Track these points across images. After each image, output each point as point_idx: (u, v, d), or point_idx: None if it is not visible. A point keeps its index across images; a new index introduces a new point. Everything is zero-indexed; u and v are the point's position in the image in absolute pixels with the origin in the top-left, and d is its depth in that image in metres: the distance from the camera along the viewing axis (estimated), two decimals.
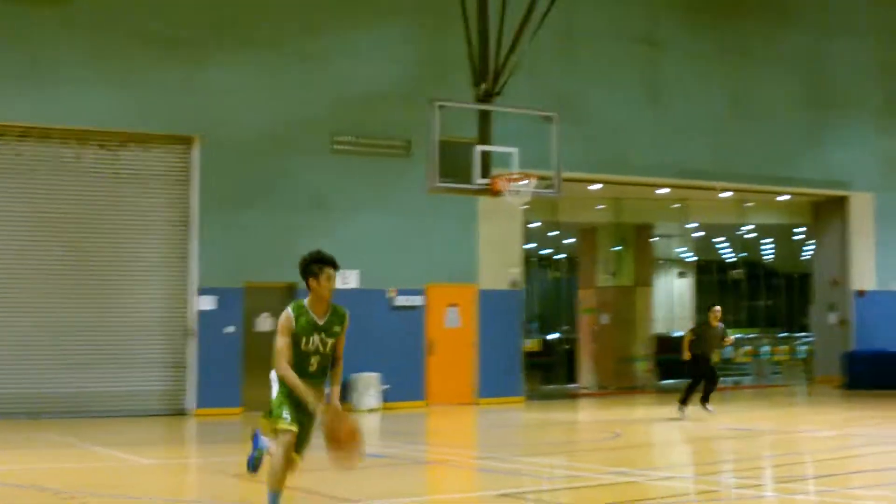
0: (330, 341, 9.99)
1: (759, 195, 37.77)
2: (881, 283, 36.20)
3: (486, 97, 26.42)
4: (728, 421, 23.09)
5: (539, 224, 36.85)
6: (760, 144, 34.99)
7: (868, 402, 28.52)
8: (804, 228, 42.59)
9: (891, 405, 27.52)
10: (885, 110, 36.84)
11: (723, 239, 50.27)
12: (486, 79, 26.46)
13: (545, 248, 44.73)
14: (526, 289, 32.11)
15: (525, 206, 29.08)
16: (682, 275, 53.02)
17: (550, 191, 25.78)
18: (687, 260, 52.80)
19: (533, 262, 39.34)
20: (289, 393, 9.87)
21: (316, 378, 9.96)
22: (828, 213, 38.17)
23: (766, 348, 44.67)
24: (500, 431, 23.45)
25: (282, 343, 9.87)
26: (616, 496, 12.36)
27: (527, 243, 33.16)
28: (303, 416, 9.86)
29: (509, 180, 24.89)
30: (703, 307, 54.98)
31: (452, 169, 24.78)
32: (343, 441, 9.59)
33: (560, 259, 44.84)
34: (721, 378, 26.57)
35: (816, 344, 39.02)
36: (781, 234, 47.40)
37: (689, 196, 37.28)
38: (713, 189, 35.34)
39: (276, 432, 9.91)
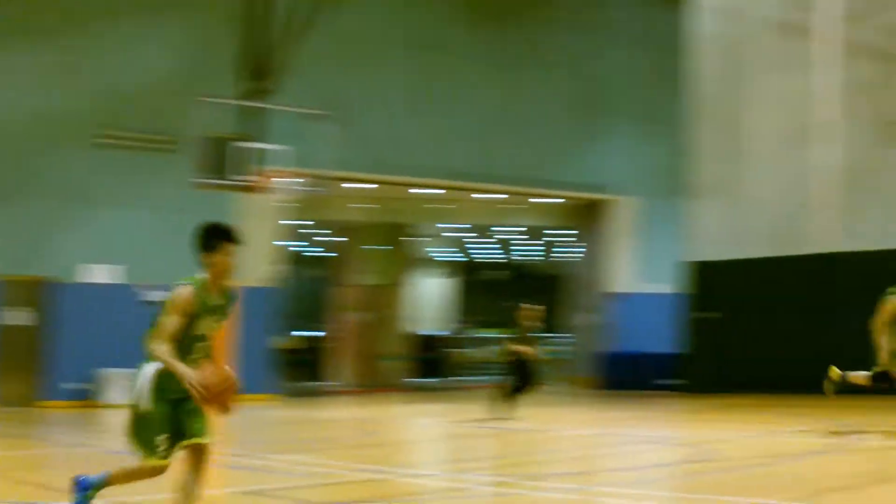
0: (218, 326, 8.84)
1: (527, 198, 38.20)
2: (641, 285, 36.90)
3: (258, 95, 26.19)
4: (485, 419, 23.18)
5: (306, 222, 36.66)
6: (530, 148, 35.39)
7: (623, 403, 29.03)
8: (569, 231, 43.20)
9: (644, 405, 28.05)
10: (650, 117, 37.56)
11: (484, 240, 50.80)
12: (258, 76, 26.22)
13: (310, 246, 44.55)
14: (288, 286, 31.89)
15: (292, 204, 28.89)
16: (441, 274, 53.45)
17: (319, 189, 25.68)
18: (447, 260, 53.25)
19: (296, 260, 39.07)
20: (161, 391, 8.51)
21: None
22: (589, 216, 38.81)
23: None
24: (255, 428, 23.15)
25: (171, 323, 8.44)
26: (368, 493, 12.23)
27: (292, 241, 32.94)
28: (182, 411, 8.59)
29: (276, 178, 24.69)
30: (467, 307, 55.66)
31: (219, 165, 24.54)
32: (216, 393, 8.41)
33: (324, 257, 44.67)
34: (483, 377, 26.52)
35: (574, 344, 39.63)
36: (542, 236, 48.08)
37: (458, 197, 37.55)
38: (482, 191, 35.63)
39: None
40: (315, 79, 30.22)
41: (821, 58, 30.07)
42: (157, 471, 8.62)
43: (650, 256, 36.85)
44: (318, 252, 44.99)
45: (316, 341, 40.00)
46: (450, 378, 41.85)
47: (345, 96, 31.00)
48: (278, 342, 30.73)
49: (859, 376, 17.86)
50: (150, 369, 8.53)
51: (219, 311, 8.75)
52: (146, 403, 8.50)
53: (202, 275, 8.73)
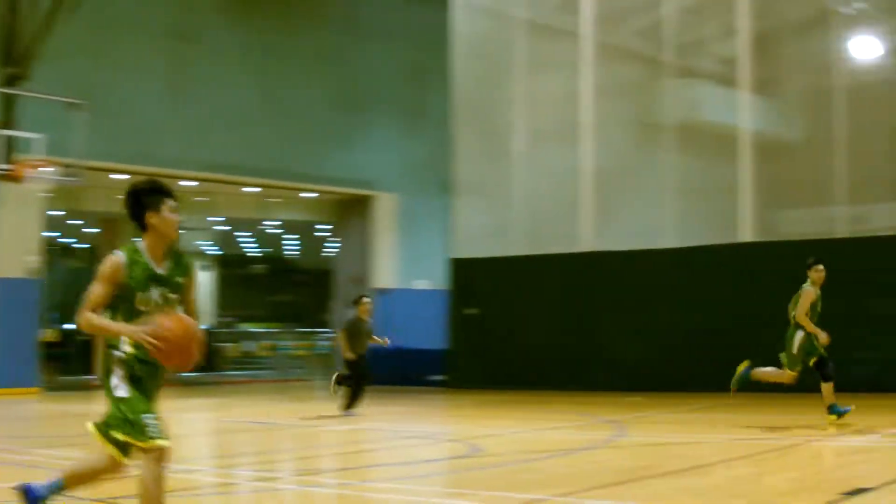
0: (173, 297, 7.68)
1: (286, 192, 38.10)
2: (402, 281, 37.15)
3: (10, 81, 25.58)
4: (248, 414, 23.08)
5: (61, 212, 35.93)
6: (289, 142, 35.32)
7: (389, 398, 29.16)
8: (329, 226, 43.23)
9: (410, 401, 28.23)
10: (410, 114, 37.85)
11: (247, 234, 50.53)
12: (11, 63, 25.62)
13: (67, 237, 43.66)
14: (45, 278, 31.19)
15: (46, 194, 28.29)
16: (204, 268, 52.93)
17: (74, 179, 25.23)
18: (210, 253, 52.74)
19: (53, 251, 38.26)
20: (132, 376, 7.62)
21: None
22: (352, 212, 38.93)
23: (287, 343, 45.13)
24: (14, 423, 22.63)
25: (98, 291, 7.52)
26: (134, 489, 12.07)
27: (47, 231, 32.24)
28: (153, 393, 7.80)
29: (31, 167, 24.21)
30: (225, 301, 55.23)
31: None
32: (178, 345, 7.34)
33: (82, 248, 43.82)
34: (249, 372, 26.22)
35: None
36: (306, 231, 48.05)
37: (215, 190, 37.24)
38: (244, 184, 35.46)
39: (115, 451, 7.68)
40: (70, 66, 29.69)
41: (580, 60, 30.66)
42: (161, 454, 7.58)
43: (415, 252, 37.15)
44: (80, 243, 44.13)
45: (77, 334, 39.23)
46: (214, 372, 41.42)
47: (101, 85, 30.55)
48: (38, 334, 30.07)
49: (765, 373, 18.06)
50: (118, 354, 7.65)
51: (166, 282, 7.70)
52: (122, 391, 7.62)
53: (139, 241, 7.71)
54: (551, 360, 29.69)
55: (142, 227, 7.69)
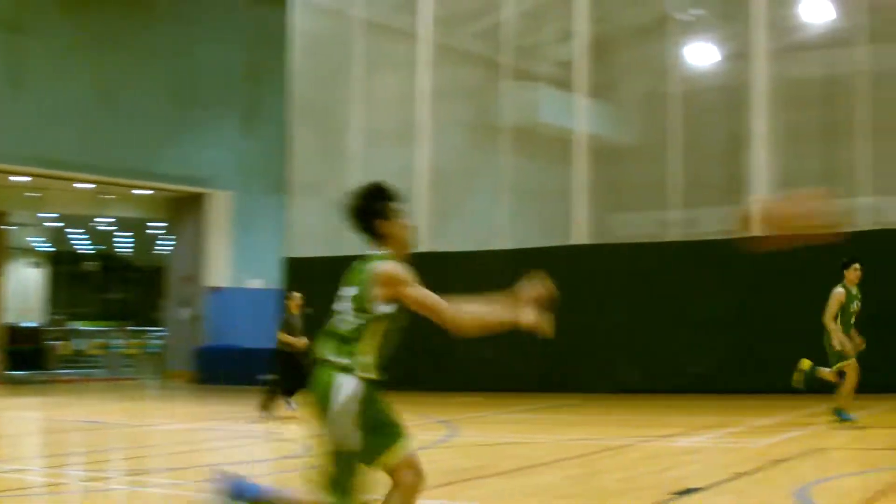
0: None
1: (119, 188, 37.60)
2: (235, 280, 36.86)
3: None
4: (79, 413, 22.71)
5: None
6: (123, 138, 34.84)
7: (219, 397, 28.94)
8: (162, 223, 42.77)
9: (241, 400, 28.03)
10: (246, 112, 37.58)
11: (79, 230, 49.81)
12: None
13: None
14: None
15: None
16: (35, 265, 52.06)
17: None
18: (41, 250, 51.88)
19: None
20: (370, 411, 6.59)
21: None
22: (186, 210, 38.55)
23: (119, 341, 44.56)
24: None
25: (430, 294, 6.82)
26: None
27: None
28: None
29: None
30: (56, 298, 54.38)
31: None
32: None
33: None
34: (79, 370, 25.80)
35: (169, 338, 39.25)
36: (139, 228, 47.50)
37: (48, 185, 36.61)
38: (78, 180, 34.91)
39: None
40: None
41: (418, 60, 30.71)
42: None
43: (250, 251, 36.90)
44: None
45: None
46: (44, 371, 40.73)
47: None
48: None
49: (825, 372, 17.47)
50: (351, 389, 6.60)
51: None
52: (354, 442, 6.49)
53: (383, 252, 6.79)
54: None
55: (375, 237, 6.78)
